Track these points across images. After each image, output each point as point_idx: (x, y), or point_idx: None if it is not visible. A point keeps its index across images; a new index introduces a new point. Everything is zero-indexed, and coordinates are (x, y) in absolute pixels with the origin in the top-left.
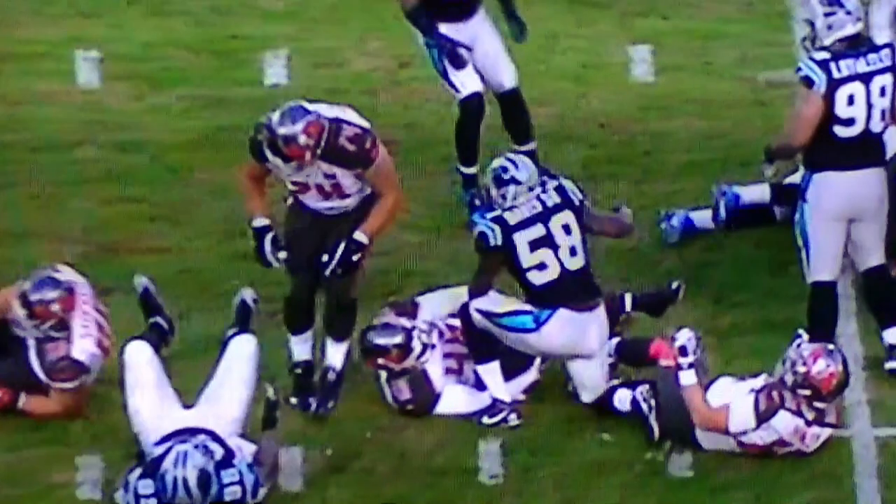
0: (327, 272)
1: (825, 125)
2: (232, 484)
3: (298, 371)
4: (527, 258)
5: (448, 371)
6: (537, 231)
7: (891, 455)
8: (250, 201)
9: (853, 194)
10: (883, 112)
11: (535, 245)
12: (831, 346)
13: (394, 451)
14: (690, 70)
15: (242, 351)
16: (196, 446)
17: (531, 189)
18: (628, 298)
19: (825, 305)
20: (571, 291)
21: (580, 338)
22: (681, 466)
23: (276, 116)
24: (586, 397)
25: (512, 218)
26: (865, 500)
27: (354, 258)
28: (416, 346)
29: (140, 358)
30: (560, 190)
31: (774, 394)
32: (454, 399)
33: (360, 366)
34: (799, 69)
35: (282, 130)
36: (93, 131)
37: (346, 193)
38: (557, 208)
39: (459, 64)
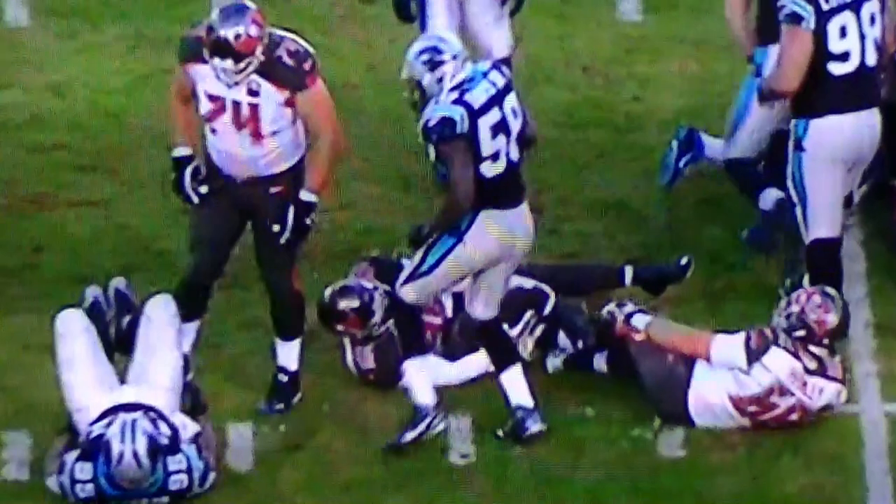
0: (282, 241)
1: (818, 63)
2: (179, 472)
3: None
4: (487, 146)
5: None
6: (495, 115)
7: None
8: (176, 128)
9: (855, 138)
10: (875, 42)
11: (494, 131)
12: (832, 291)
13: (353, 428)
14: (682, 7)
15: (160, 315)
16: (145, 413)
17: (463, 64)
18: (629, 272)
19: (828, 265)
20: (509, 187)
21: (510, 233)
22: (671, 445)
23: (216, 17)
24: (488, 313)
25: (474, 101)
26: (874, 482)
27: (307, 221)
28: (378, 309)
29: (74, 327)
30: (499, 69)
31: (767, 331)
32: (421, 370)
33: (317, 333)
34: (782, 6)
35: (230, 30)
36: (20, 72)
37: (260, 132)
38: (507, 89)
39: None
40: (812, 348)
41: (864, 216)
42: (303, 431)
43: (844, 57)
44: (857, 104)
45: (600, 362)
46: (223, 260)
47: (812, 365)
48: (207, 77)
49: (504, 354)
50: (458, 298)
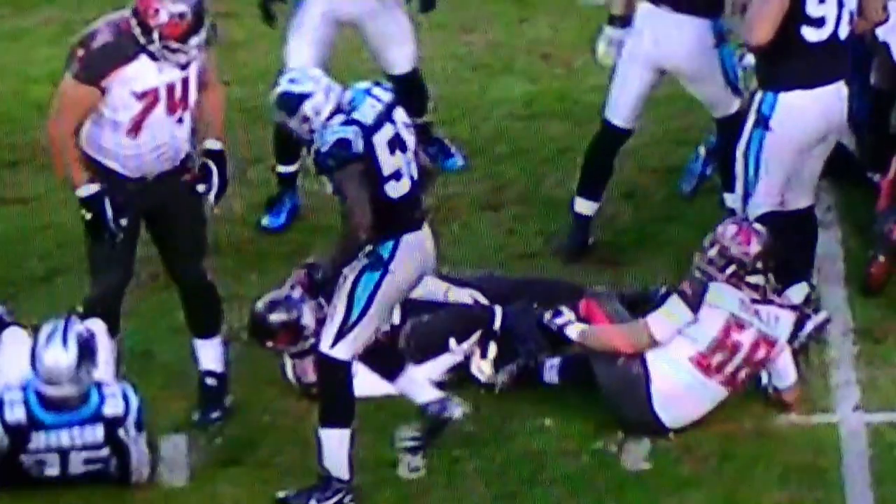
0: (211, 198)
1: (792, 25)
2: (114, 396)
3: None
4: (387, 164)
5: None
6: (388, 131)
7: (885, 445)
8: (76, 165)
9: (825, 115)
10: (851, 14)
11: (391, 147)
12: (755, 224)
13: (296, 441)
14: None
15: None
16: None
17: (327, 93)
18: None
19: (782, 230)
20: (415, 207)
21: (425, 255)
22: (636, 458)
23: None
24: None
25: (364, 118)
26: (854, 497)
27: (226, 170)
28: (309, 323)
29: (18, 340)
30: (381, 86)
31: (698, 274)
32: (369, 380)
33: None
34: None
35: (187, 2)
36: None
37: (188, 107)
38: (394, 103)
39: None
40: (749, 279)
41: (842, 213)
42: (241, 444)
43: (820, 22)
44: (827, 77)
45: (551, 374)
46: (132, 272)
47: (756, 296)
48: (137, 75)
49: (389, 362)
50: (406, 305)
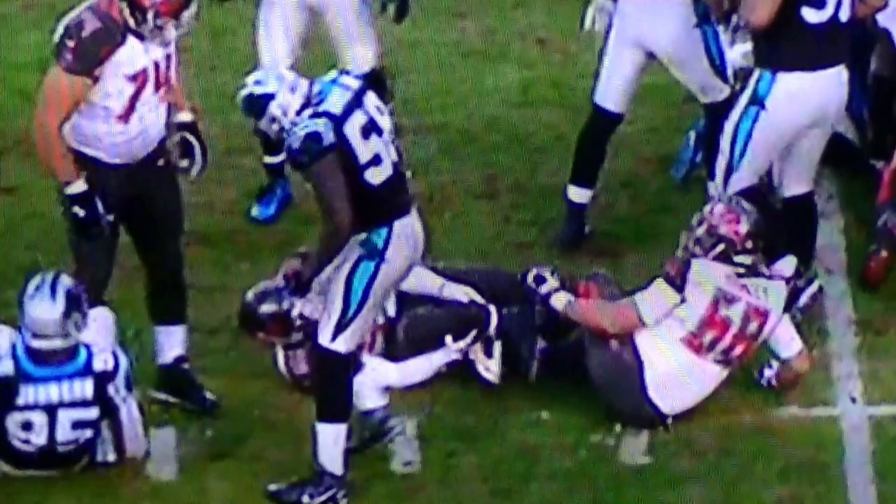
0: (195, 173)
1: (791, 7)
2: (103, 352)
3: None
4: (363, 150)
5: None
6: (360, 117)
7: (887, 438)
8: (66, 161)
9: (822, 99)
10: None
11: (365, 132)
12: (743, 202)
13: (287, 435)
14: None
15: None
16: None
17: (293, 90)
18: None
19: (764, 211)
20: (401, 191)
21: (416, 240)
22: (634, 452)
23: None
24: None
25: (332, 108)
26: (857, 493)
27: (204, 143)
28: (300, 314)
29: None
30: (347, 72)
31: (683, 254)
32: (363, 373)
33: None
34: None
35: None
36: None
37: (170, 83)
38: (363, 89)
39: None
40: (737, 259)
41: (844, 203)
42: (231, 438)
43: (820, 4)
44: (827, 60)
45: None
46: (114, 261)
47: (742, 270)
48: (127, 58)
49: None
50: (402, 297)
